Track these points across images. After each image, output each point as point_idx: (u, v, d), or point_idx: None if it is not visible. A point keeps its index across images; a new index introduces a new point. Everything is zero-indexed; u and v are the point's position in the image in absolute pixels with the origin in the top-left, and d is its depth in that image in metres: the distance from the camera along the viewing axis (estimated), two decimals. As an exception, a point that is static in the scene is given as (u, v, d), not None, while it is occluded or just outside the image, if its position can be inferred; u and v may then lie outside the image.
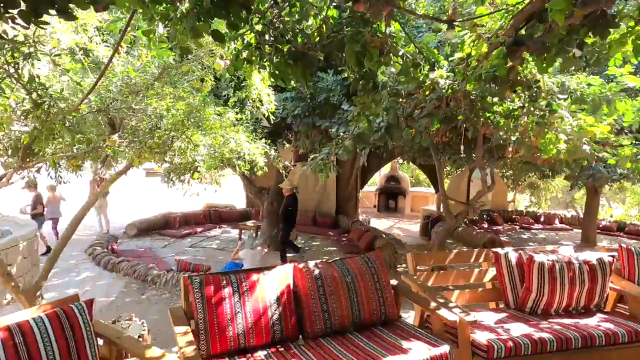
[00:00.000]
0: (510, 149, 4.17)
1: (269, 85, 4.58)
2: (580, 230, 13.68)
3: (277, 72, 2.95)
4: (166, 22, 2.48)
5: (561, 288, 3.10)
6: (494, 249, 3.44)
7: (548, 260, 3.15)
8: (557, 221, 15.23)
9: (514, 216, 15.25)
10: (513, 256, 3.38)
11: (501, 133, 4.02)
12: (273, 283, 2.64)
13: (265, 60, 2.97)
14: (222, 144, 3.63)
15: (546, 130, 3.75)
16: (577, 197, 18.90)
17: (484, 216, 14.05)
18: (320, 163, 4.34)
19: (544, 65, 2.80)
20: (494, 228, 13.37)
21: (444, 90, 4.00)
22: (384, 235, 10.44)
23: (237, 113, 4.22)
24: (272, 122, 6.01)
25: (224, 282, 2.49)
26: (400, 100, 3.94)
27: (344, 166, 13.05)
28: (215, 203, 14.76)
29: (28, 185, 8.00)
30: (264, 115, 4.30)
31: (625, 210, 19.89)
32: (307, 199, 13.35)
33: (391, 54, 2.76)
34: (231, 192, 19.30)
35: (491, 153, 6.59)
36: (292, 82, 3.18)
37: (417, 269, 3.37)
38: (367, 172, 13.82)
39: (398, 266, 8.77)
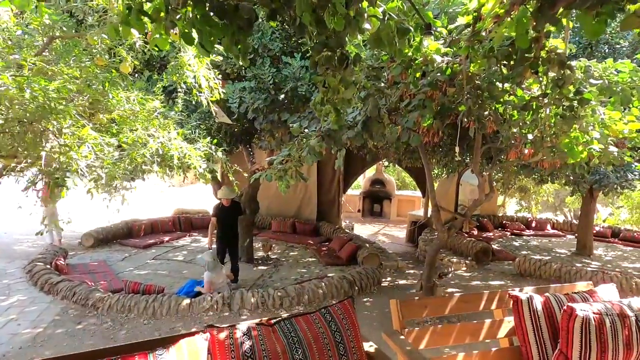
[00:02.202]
0: (527, 152, 3.22)
1: (215, 69, 3.56)
2: (572, 237, 12.99)
3: (193, 32, 1.95)
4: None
5: (614, 354, 2.12)
6: (513, 292, 2.46)
7: (594, 313, 2.16)
8: (549, 227, 14.55)
9: (504, 222, 14.50)
10: (538, 302, 2.39)
11: (515, 130, 3.05)
12: (170, 371, 1.61)
13: (177, 16, 1.96)
14: (135, 144, 2.57)
15: (574, 126, 2.80)
16: (568, 201, 18.29)
17: (474, 222, 13.27)
18: (280, 169, 3.29)
19: (595, 24, 1.85)
20: (484, 235, 12.59)
21: (439, 74, 3.03)
22: (367, 245, 9.55)
23: (165, 102, 3.16)
24: (231, 117, 4.99)
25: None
26: (383, 85, 2.94)
27: (325, 168, 12.09)
28: (187, 209, 13.69)
29: None
30: (204, 104, 3.27)
31: (616, 215, 19.28)
32: (286, 205, 12.39)
33: (364, 3, 1.76)
34: (205, 197, 18.08)
35: (489, 156, 5.66)
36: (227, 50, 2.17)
37: (406, 320, 2.38)
38: (351, 175, 12.94)
39: (383, 280, 7.90)
